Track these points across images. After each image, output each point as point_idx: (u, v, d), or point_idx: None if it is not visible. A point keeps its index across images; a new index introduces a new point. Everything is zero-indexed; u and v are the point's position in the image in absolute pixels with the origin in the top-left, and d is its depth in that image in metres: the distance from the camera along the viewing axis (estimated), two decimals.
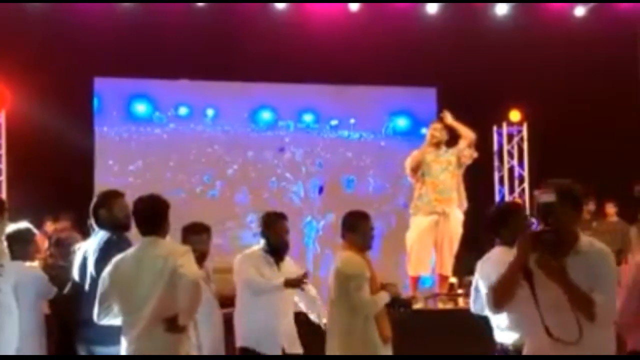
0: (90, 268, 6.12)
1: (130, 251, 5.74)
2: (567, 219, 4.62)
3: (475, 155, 10.30)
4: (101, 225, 6.31)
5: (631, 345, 5.91)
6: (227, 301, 7.82)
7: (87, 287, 6.14)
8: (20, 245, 6.70)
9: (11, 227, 6.68)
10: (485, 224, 5.98)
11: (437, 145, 10.28)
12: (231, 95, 13.13)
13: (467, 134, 10.35)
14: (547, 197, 4.61)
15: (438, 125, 10.43)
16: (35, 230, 6.96)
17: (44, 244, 8.03)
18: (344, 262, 6.60)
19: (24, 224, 6.87)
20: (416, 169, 10.15)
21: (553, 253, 4.53)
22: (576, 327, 4.47)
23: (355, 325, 6.51)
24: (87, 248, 6.24)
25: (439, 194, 10.04)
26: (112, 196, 6.49)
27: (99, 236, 6.25)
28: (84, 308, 5.99)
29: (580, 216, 4.74)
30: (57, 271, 6.83)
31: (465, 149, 10.27)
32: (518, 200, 13.27)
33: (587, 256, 4.60)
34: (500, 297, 4.70)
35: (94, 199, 6.43)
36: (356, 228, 6.71)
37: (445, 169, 10.20)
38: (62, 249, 7.01)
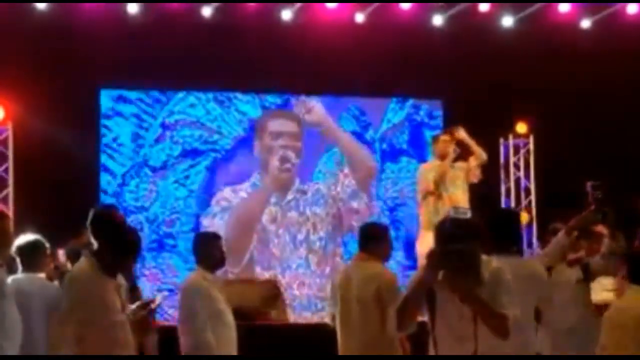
0: None
1: None
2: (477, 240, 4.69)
3: (481, 176, 10.28)
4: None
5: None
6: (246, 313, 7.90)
7: None
8: (31, 257, 6.70)
9: (21, 239, 6.68)
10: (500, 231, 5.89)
11: (443, 158, 10.28)
12: (239, 106, 13.12)
13: (480, 154, 10.34)
14: (462, 213, 4.68)
15: (447, 138, 10.42)
16: (46, 243, 6.94)
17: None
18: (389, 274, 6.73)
19: (33, 236, 6.87)
20: (439, 183, 10.12)
21: (459, 271, 4.53)
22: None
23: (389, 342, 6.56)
24: None
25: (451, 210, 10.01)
26: (110, 210, 6.48)
27: None
28: None
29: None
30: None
31: (475, 168, 10.24)
32: (525, 212, 13.27)
33: (487, 276, 4.64)
34: (407, 317, 4.69)
35: (90, 215, 6.40)
36: (380, 238, 6.88)
37: (455, 184, 10.20)
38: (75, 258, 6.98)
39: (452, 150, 10.25)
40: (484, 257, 4.73)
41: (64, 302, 5.66)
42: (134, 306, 5.94)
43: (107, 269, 5.65)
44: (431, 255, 4.59)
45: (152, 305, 6.09)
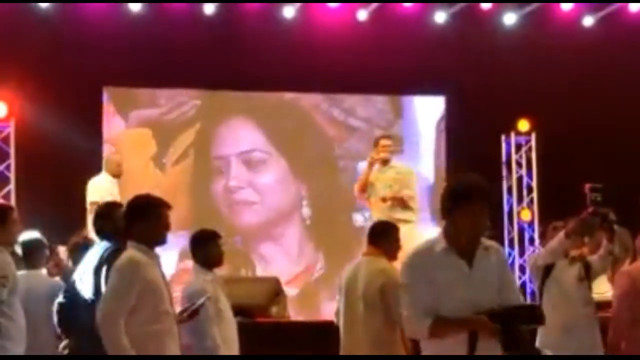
0: (92, 278, 6.09)
1: None
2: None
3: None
4: (102, 236, 6.29)
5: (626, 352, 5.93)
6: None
7: (90, 296, 6.11)
8: (34, 254, 6.72)
9: (23, 236, 6.71)
10: None
11: (384, 162, 10.11)
12: (240, 105, 13.13)
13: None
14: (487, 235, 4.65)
15: (387, 142, 10.21)
16: (44, 240, 6.97)
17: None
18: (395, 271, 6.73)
19: (34, 233, 6.90)
20: (364, 190, 10.02)
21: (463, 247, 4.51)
22: None
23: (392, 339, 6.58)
24: (89, 258, 6.20)
25: (382, 213, 9.77)
26: (112, 207, 6.49)
27: (100, 246, 6.22)
28: (83, 317, 5.95)
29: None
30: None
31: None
32: (526, 209, 13.26)
33: (492, 251, 4.62)
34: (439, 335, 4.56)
35: (94, 211, 6.39)
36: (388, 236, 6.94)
37: (388, 186, 10.02)
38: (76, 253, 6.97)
39: (375, 153, 10.12)
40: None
41: (110, 288, 5.33)
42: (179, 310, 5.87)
43: (149, 244, 5.42)
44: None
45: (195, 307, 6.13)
